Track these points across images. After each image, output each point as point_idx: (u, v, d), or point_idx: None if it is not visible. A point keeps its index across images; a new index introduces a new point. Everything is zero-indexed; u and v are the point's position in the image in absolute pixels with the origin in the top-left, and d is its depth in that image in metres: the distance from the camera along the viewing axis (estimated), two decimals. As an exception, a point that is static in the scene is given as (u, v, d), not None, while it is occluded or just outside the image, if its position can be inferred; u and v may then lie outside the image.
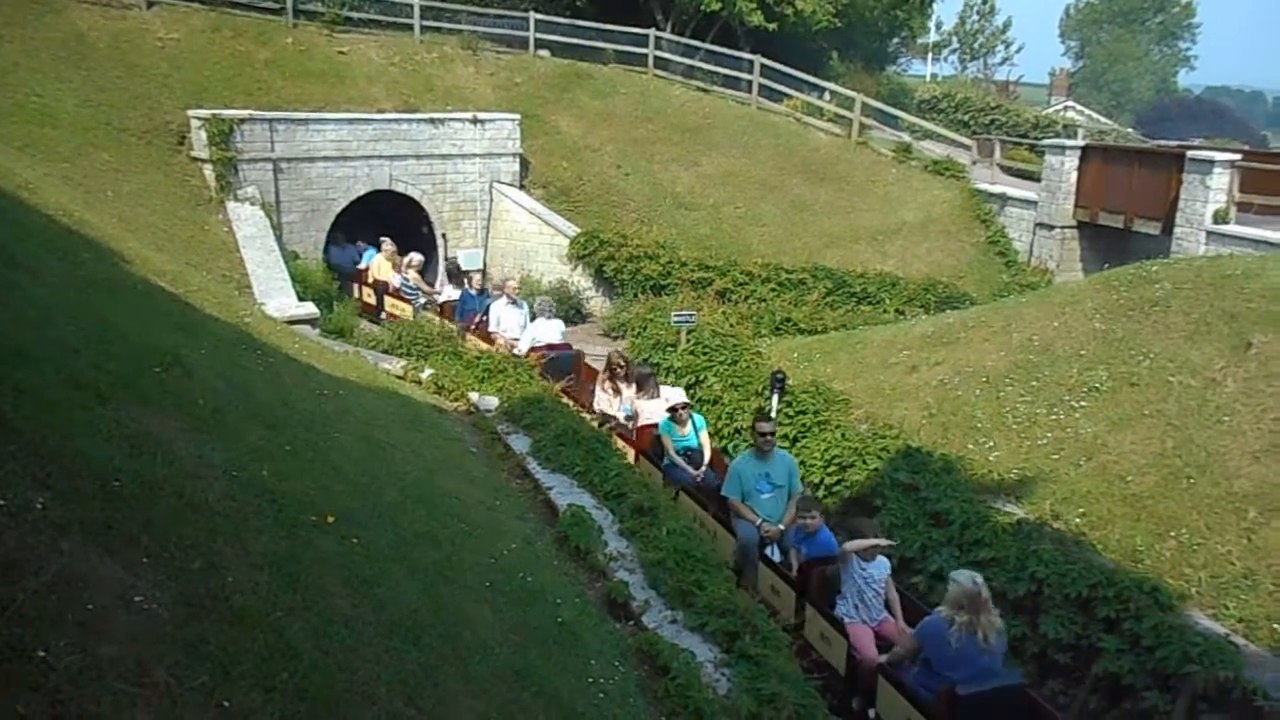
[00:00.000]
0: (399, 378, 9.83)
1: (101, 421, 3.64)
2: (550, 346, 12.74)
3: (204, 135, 15.91)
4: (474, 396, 9.56)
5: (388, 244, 16.91)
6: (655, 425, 9.93)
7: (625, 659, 5.14)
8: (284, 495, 4.17)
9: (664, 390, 10.62)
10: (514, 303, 13.79)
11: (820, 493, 9.69)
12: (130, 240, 9.19)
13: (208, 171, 15.95)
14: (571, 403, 10.40)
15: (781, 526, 8.08)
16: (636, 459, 9.69)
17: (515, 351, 12.43)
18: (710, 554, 6.65)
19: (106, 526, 3.01)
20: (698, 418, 9.79)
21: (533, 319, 13.53)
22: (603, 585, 6.01)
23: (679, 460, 9.30)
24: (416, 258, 16.53)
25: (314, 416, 6.02)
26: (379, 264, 16.78)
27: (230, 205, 15.40)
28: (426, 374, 10.07)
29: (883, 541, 7.17)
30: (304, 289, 13.34)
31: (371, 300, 16.52)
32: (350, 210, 18.13)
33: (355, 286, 17.01)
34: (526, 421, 8.71)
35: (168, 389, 4.44)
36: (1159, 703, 6.58)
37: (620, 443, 9.65)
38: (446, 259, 17.30)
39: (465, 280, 15.30)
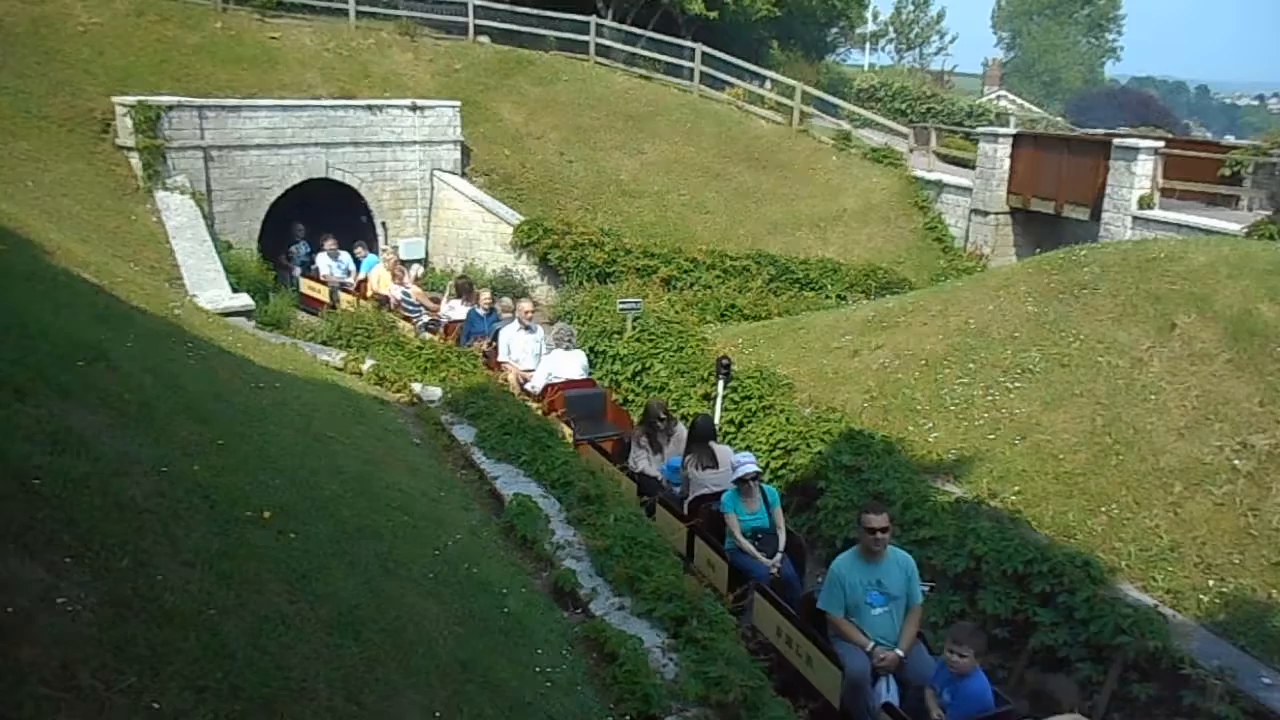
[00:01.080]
0: (339, 369, 9.66)
1: (20, 418, 3.51)
2: (570, 383, 10.76)
3: (129, 123, 15.42)
4: (417, 387, 9.44)
5: (389, 251, 15.61)
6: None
7: (573, 647, 5.11)
8: (217, 491, 4.06)
9: (725, 453, 8.61)
10: (527, 328, 11.86)
11: (766, 476, 9.72)
12: (52, 231, 8.89)
13: (134, 160, 15.46)
14: (596, 454, 9.14)
15: (900, 652, 6.10)
16: (690, 544, 7.84)
17: (529, 386, 10.88)
18: (657, 539, 6.63)
19: (26, 527, 2.89)
20: (770, 490, 7.91)
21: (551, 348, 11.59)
22: (550, 574, 5.98)
23: (747, 545, 7.48)
24: (417, 267, 15.25)
25: (249, 410, 5.88)
26: (379, 275, 15.25)
27: (159, 195, 14.95)
28: (368, 365, 9.92)
29: None
30: (238, 280, 13.01)
31: None
32: (286, 199, 17.75)
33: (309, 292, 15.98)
34: (471, 411, 8.63)
35: (91, 383, 4.29)
36: (1093, 673, 6.77)
37: (668, 516, 8.13)
38: (458, 280, 14.94)
39: (473, 297, 13.46)
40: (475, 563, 5.41)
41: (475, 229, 18.79)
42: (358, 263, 16.62)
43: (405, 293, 14.52)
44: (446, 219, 19.29)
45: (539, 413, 9.19)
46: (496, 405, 8.64)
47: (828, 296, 16.35)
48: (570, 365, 11.10)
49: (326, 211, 19.45)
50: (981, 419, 9.69)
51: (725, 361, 10.75)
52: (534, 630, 5.00)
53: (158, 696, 2.58)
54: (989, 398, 9.88)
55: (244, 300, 11.31)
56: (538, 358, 11.56)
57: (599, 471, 7.92)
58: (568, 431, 9.49)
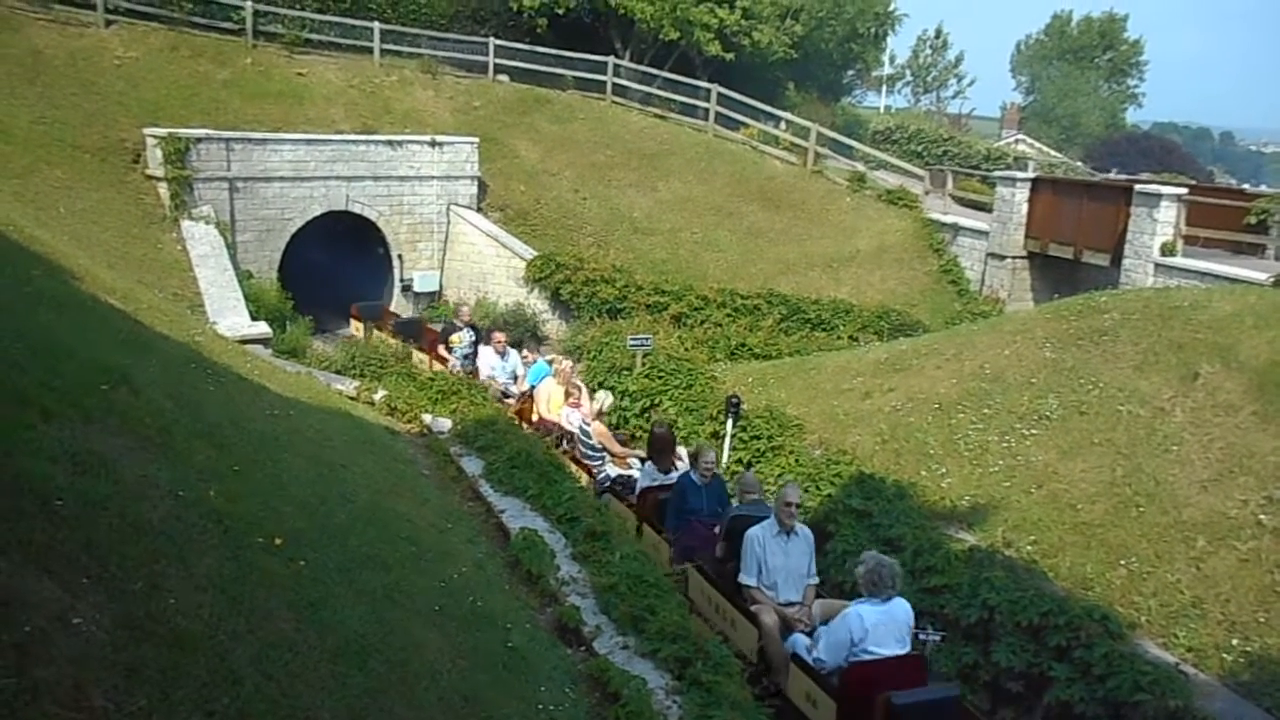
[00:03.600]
0: (352, 399, 9.74)
1: (45, 440, 3.57)
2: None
3: (159, 154, 15.73)
4: (427, 418, 9.50)
5: (564, 362, 12.13)
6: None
7: (576, 685, 5.10)
8: (231, 516, 4.11)
9: (682, 453, 9.52)
10: (754, 503, 8.05)
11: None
12: (81, 257, 9.04)
13: (162, 190, 15.75)
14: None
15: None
16: (639, 530, 8.80)
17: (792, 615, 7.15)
18: (663, 579, 6.63)
19: (47, 547, 2.94)
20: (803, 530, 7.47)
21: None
22: (554, 610, 5.97)
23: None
24: (605, 396, 10.93)
25: (264, 437, 5.94)
26: (549, 393, 11.48)
27: (184, 224, 15.20)
28: (380, 395, 9.99)
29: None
30: (257, 309, 13.17)
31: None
32: (305, 230, 17.97)
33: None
34: (480, 444, 8.67)
35: (114, 407, 4.36)
36: (1109, 730, 6.64)
37: (619, 505, 9.22)
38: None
39: (674, 453, 9.54)
40: (480, 596, 5.42)
41: (489, 263, 18.95)
42: (528, 368, 13.21)
43: (584, 427, 10.34)
44: (461, 252, 19.47)
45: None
46: (505, 439, 8.68)
47: (839, 337, 16.35)
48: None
49: (343, 243, 19.71)
50: (996, 466, 9.61)
51: (735, 400, 10.78)
52: (537, 666, 5.00)
53: (167, 719, 2.62)
54: (1004, 444, 9.80)
55: (262, 328, 11.47)
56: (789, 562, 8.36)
57: (606, 509, 8.03)
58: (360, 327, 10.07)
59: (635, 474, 9.77)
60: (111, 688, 2.56)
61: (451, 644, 4.58)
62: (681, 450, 9.74)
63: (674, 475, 9.00)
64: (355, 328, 16.25)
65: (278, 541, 4.22)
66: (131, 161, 16.09)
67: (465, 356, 13.50)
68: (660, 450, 9.35)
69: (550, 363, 12.82)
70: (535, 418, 11.54)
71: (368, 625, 4.13)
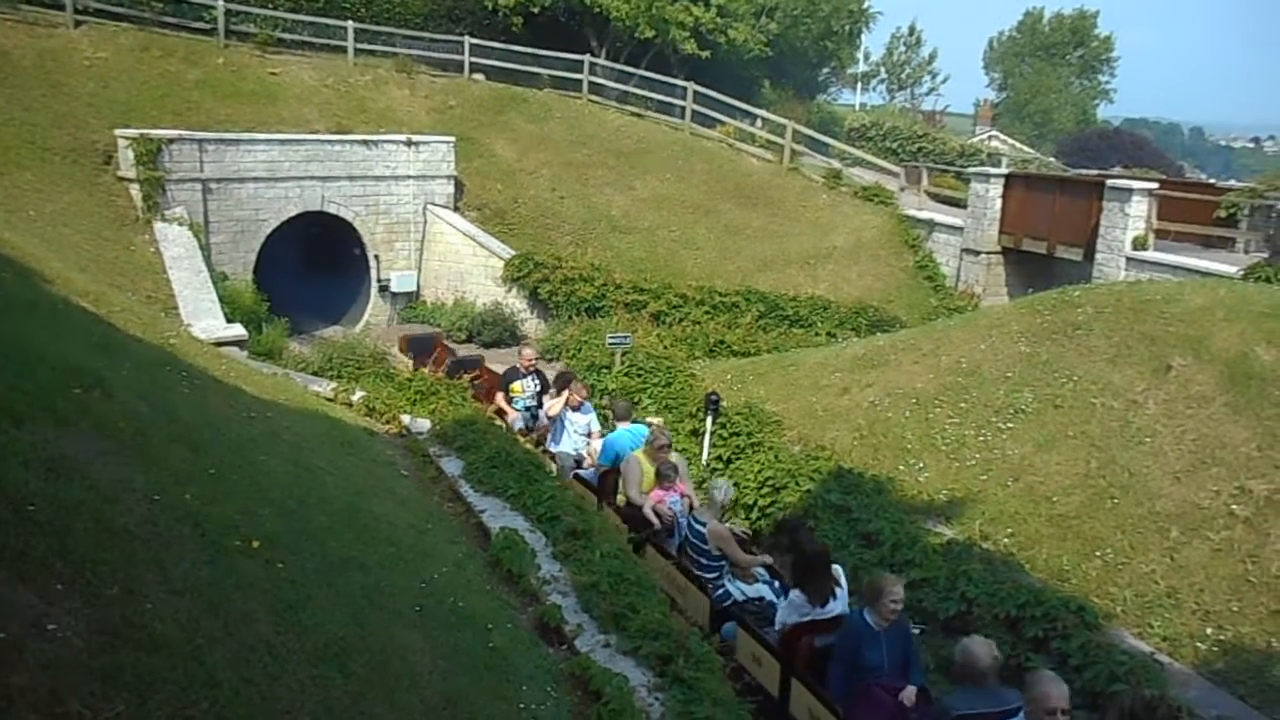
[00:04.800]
0: (329, 400, 9.68)
1: (17, 444, 3.53)
2: None
3: (131, 155, 15.58)
4: (406, 419, 9.45)
5: (658, 427, 9.23)
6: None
7: (558, 684, 5.10)
8: (207, 520, 4.08)
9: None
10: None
11: (754, 514, 9.74)
12: (52, 260, 8.94)
13: (134, 191, 15.59)
14: (579, 486, 8.85)
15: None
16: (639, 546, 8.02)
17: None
18: (644, 576, 6.63)
19: (20, 552, 2.91)
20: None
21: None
22: (535, 609, 5.96)
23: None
24: (728, 490, 8.33)
25: (240, 439, 5.90)
26: (638, 470, 8.62)
27: (157, 226, 15.06)
28: (358, 396, 9.94)
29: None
30: (232, 310, 13.07)
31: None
32: (280, 232, 17.85)
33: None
34: (459, 444, 8.63)
35: (87, 411, 4.32)
36: (1086, 721, 6.71)
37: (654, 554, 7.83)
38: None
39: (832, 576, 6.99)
40: (461, 596, 5.41)
41: (467, 262, 18.90)
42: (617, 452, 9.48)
43: (696, 526, 7.82)
44: (439, 252, 19.40)
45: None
46: (484, 439, 8.65)
47: (817, 334, 16.45)
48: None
49: (319, 244, 19.60)
50: (973, 459, 9.69)
51: (714, 397, 10.80)
52: (519, 666, 4.99)
53: (144, 724, 2.60)
54: (981, 438, 9.89)
55: (238, 330, 11.38)
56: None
57: (586, 507, 7.95)
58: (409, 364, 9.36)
59: (765, 592, 7.57)
60: (88, 694, 2.54)
61: (432, 645, 4.56)
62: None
63: (833, 608, 6.74)
64: (402, 362, 13.50)
65: (255, 544, 4.19)
66: (103, 163, 15.92)
67: (527, 408, 11.24)
68: (812, 572, 6.77)
69: (637, 423, 9.65)
70: (621, 493, 8.76)
71: (347, 627, 4.11)
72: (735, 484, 9.62)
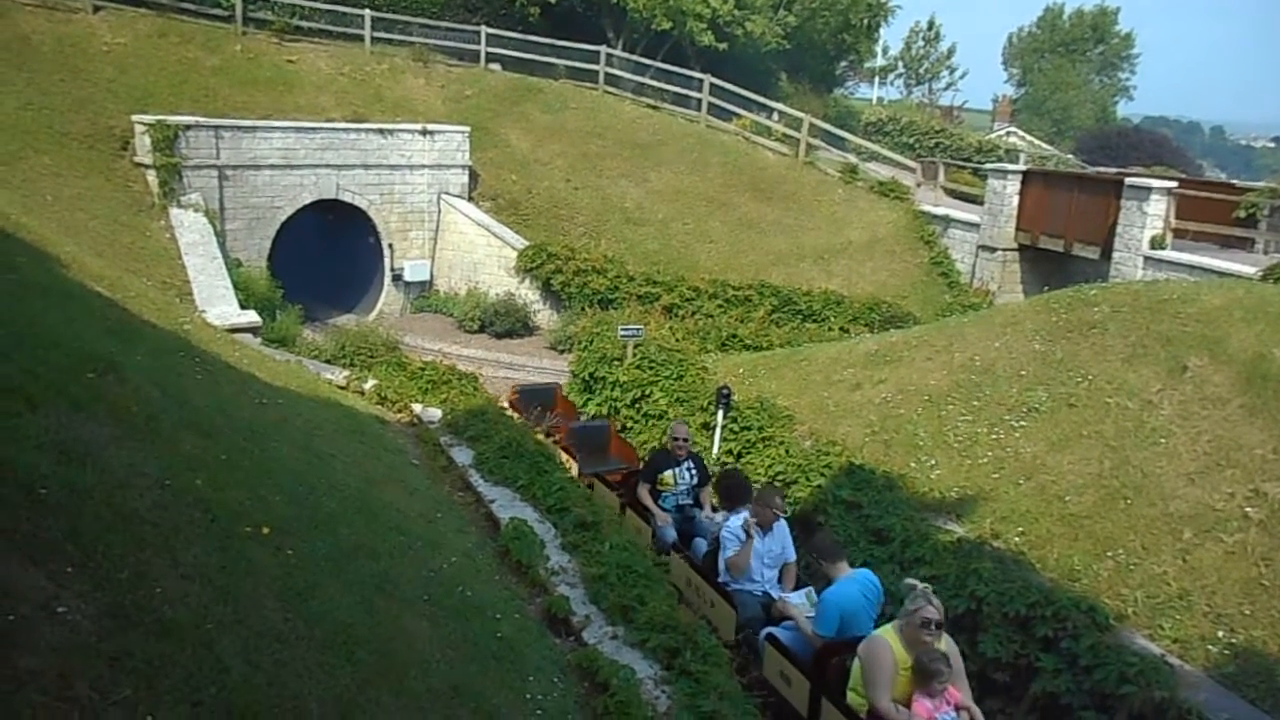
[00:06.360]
0: (341, 388, 9.71)
1: (30, 428, 3.55)
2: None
3: (148, 141, 15.65)
4: (417, 408, 9.47)
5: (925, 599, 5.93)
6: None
7: (565, 675, 5.11)
8: (218, 505, 4.09)
9: None
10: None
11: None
12: (68, 245, 8.98)
13: (151, 177, 15.67)
14: (602, 487, 8.92)
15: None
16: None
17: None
18: (652, 569, 6.63)
19: (32, 535, 2.93)
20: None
21: None
22: (543, 600, 5.97)
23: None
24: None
25: (252, 426, 5.92)
26: (891, 660, 5.31)
27: (173, 211, 15.13)
28: (369, 384, 9.96)
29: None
30: (246, 297, 13.13)
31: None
32: (295, 219, 17.91)
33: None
34: (470, 434, 8.65)
35: (101, 395, 4.34)
36: (1095, 721, 6.67)
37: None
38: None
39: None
40: (470, 586, 5.42)
41: (480, 252, 18.92)
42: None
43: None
44: (452, 242, 19.43)
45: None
46: (495, 428, 8.66)
47: (830, 329, 16.39)
48: None
49: (333, 232, 19.66)
50: (985, 458, 9.63)
51: (725, 391, 10.77)
52: (526, 656, 5.00)
53: (153, 710, 2.60)
54: (993, 436, 9.82)
55: (251, 317, 11.42)
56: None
57: (596, 498, 7.96)
58: (573, 465, 9.33)
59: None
60: (97, 677, 2.56)
61: (441, 634, 4.57)
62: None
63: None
64: (512, 413, 10.29)
65: (265, 530, 4.20)
66: (120, 149, 16.01)
67: (679, 507, 8.59)
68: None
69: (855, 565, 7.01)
70: (859, 703, 5.58)
71: (356, 615, 4.12)
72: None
